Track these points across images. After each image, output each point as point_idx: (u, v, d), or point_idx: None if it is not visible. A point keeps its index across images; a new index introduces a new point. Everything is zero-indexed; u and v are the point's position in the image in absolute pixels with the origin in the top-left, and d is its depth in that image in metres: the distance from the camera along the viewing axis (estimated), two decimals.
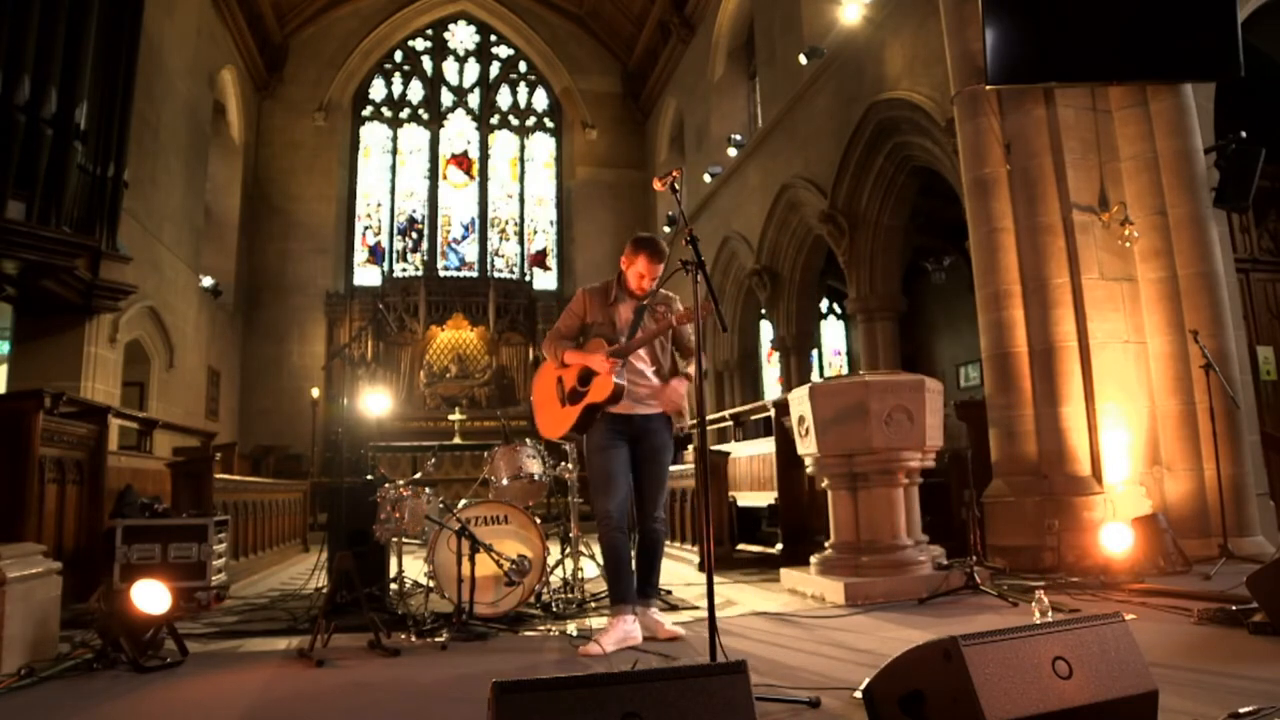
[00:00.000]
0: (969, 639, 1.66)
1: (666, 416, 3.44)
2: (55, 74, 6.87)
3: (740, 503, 6.80)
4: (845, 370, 16.50)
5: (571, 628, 3.61)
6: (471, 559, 3.66)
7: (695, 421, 3.04)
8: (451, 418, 13.41)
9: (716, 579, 5.29)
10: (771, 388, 13.14)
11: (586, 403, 3.29)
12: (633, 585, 3.34)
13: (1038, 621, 2.75)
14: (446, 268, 16.45)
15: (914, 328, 14.13)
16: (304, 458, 12.97)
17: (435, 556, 3.90)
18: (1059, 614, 3.27)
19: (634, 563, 3.40)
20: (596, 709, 1.40)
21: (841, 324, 16.90)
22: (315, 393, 12.37)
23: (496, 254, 16.94)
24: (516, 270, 16.89)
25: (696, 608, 4.13)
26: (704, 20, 13.74)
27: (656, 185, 2.52)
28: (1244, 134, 5.43)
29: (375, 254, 16.41)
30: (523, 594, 3.91)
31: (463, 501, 4.20)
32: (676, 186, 2.51)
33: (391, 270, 16.11)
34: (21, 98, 6.57)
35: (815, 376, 12.52)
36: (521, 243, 17.13)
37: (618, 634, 3.15)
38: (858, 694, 2.08)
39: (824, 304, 15.85)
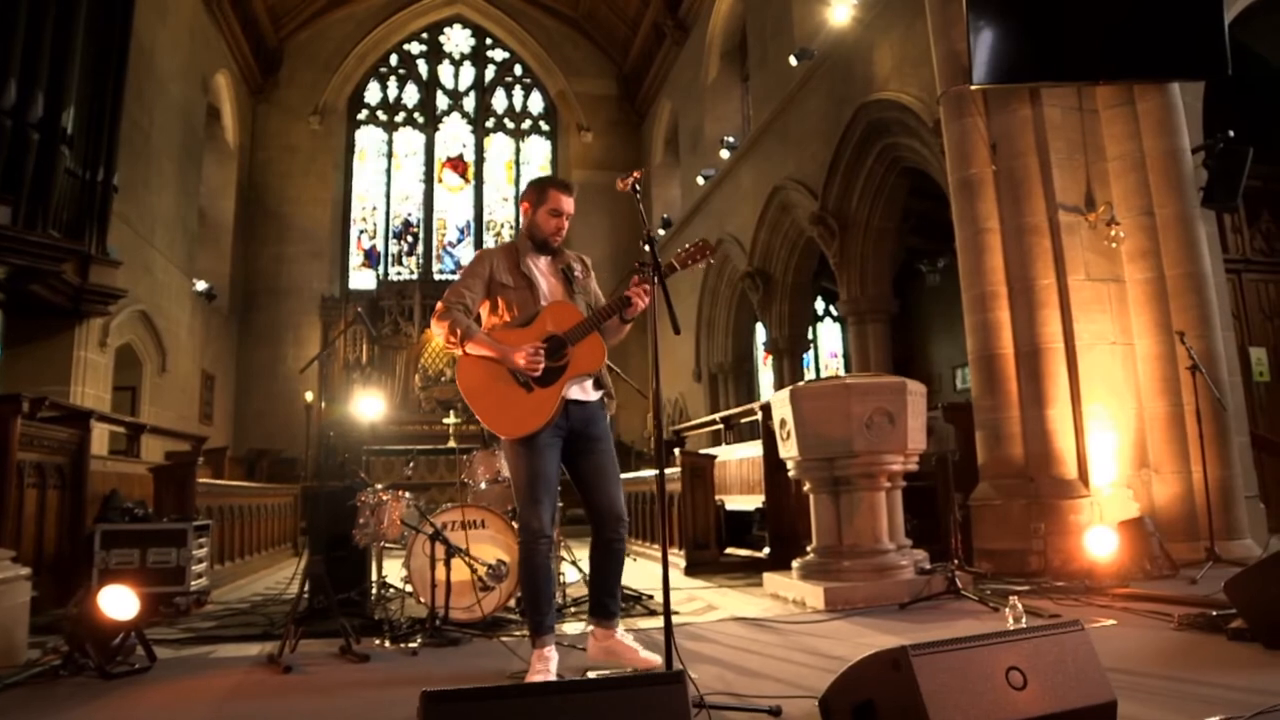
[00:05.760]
0: (919, 648, 1.63)
1: (600, 401, 2.87)
2: (42, 78, 6.84)
3: (730, 506, 6.76)
4: (842, 373, 16.44)
5: None
6: (447, 563, 3.63)
7: (653, 432, 2.70)
8: (446, 421, 13.35)
9: (701, 583, 5.31)
10: (768, 391, 13.10)
11: (568, 377, 2.68)
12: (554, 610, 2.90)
13: (1010, 628, 2.72)
14: (442, 271, 16.44)
15: (910, 330, 14.09)
16: (298, 461, 12.95)
17: (411, 561, 3.88)
18: (1038, 619, 3.23)
19: (591, 575, 2.88)
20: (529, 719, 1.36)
21: (838, 326, 16.85)
22: (309, 396, 12.35)
23: None
24: None
25: (677, 612, 4.10)
26: (697, 23, 13.73)
27: (619, 186, 2.49)
28: (1232, 133, 5.39)
29: (370, 257, 16.41)
30: (500, 599, 3.88)
31: (443, 505, 4.17)
32: (638, 188, 2.48)
33: (387, 274, 16.10)
34: (8, 102, 6.54)
35: (811, 379, 12.45)
36: None
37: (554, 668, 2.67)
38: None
39: (820, 306, 15.81)
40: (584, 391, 2.80)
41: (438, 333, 2.77)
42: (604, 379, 2.88)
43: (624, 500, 2.87)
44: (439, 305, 2.80)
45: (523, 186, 17.04)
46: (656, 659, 2.67)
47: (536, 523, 2.70)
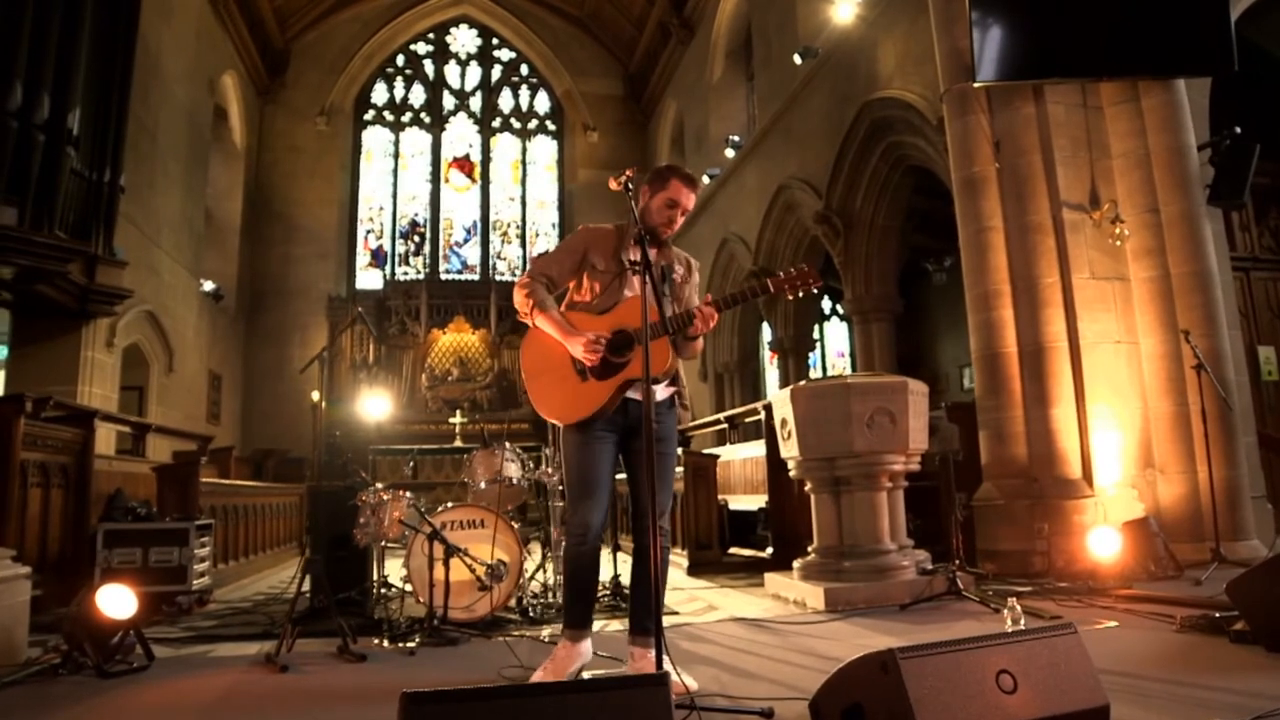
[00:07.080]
0: (908, 651, 1.61)
1: (670, 400, 2.73)
2: (48, 80, 6.88)
3: (733, 506, 6.75)
4: (849, 372, 16.38)
5: (545, 633, 3.58)
6: (445, 563, 3.63)
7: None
8: (453, 420, 13.40)
9: (704, 583, 5.31)
10: (773, 390, 13.05)
11: (625, 378, 2.57)
12: (593, 609, 2.78)
13: (1008, 630, 2.70)
14: (448, 271, 16.48)
15: (916, 329, 14.02)
16: (305, 461, 12.98)
17: (410, 561, 3.88)
18: (1039, 621, 3.20)
19: (631, 588, 2.74)
20: None
21: (845, 325, 16.78)
22: (315, 396, 12.38)
23: (499, 257, 16.96)
24: (519, 273, 16.86)
25: (676, 613, 4.10)
26: (702, 21, 13.71)
27: (612, 185, 2.47)
28: (1238, 129, 5.34)
29: (377, 258, 16.45)
30: (499, 599, 3.88)
31: (444, 505, 4.17)
32: (630, 186, 2.46)
33: (393, 274, 16.14)
34: (13, 104, 6.58)
35: (815, 378, 12.40)
36: (524, 245, 17.14)
37: (572, 666, 2.58)
38: None
39: (826, 305, 15.76)
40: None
41: (518, 300, 2.69)
42: (680, 382, 2.75)
43: (669, 506, 2.72)
44: (524, 275, 2.74)
45: (529, 186, 17.34)
46: (693, 684, 2.43)
47: (582, 519, 2.60)
